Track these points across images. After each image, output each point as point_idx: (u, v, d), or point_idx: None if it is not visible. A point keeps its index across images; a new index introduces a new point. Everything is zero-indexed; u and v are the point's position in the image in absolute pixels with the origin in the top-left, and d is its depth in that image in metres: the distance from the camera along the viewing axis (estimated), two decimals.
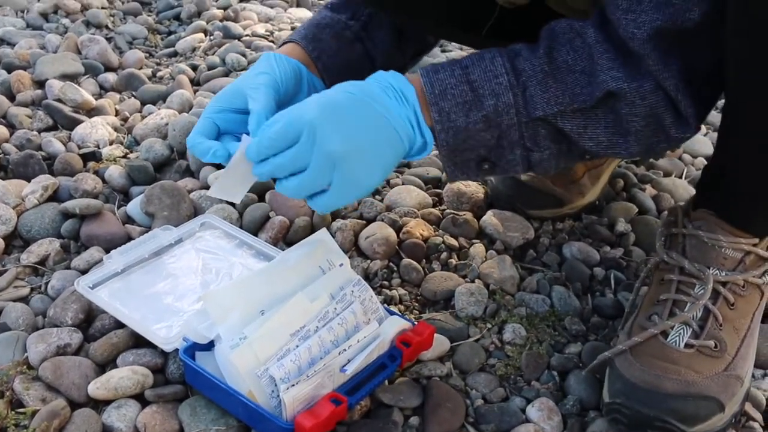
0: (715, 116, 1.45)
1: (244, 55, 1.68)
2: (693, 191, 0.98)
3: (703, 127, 1.07)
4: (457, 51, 1.80)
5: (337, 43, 0.99)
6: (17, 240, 1.13)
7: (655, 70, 0.76)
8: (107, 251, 1.06)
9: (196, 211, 1.17)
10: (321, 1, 2.04)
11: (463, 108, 0.78)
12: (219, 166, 1.24)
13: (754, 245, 0.88)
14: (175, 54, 1.75)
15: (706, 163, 1.25)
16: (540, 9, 0.94)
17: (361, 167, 0.78)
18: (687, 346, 0.83)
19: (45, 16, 1.91)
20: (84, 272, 1.04)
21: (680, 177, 1.35)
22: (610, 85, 0.76)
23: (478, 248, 1.11)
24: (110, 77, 1.60)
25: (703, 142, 1.44)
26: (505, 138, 0.80)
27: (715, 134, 1.30)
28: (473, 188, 1.21)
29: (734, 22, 0.72)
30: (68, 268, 1.06)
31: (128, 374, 0.87)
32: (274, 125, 0.77)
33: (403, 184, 1.24)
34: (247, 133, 0.81)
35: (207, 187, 1.22)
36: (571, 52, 0.78)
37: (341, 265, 0.92)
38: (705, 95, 0.80)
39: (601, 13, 0.78)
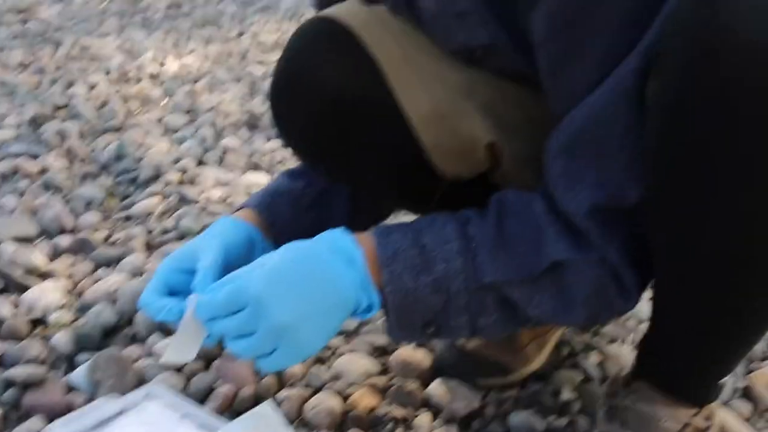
0: None
1: (199, 220, 1.70)
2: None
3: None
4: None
5: (292, 210, 1.01)
6: None
7: (598, 244, 0.79)
8: (49, 421, 1.04)
9: (142, 380, 1.16)
10: (278, 166, 2.09)
11: (413, 271, 0.80)
12: (168, 333, 1.24)
13: (693, 416, 0.88)
14: (130, 218, 1.77)
15: None
16: (486, 181, 0.98)
17: (307, 333, 0.79)
18: None
19: (3, 176, 1.93)
20: None
21: (625, 343, 1.37)
22: (556, 256, 0.79)
23: (423, 419, 1.10)
24: (64, 240, 1.60)
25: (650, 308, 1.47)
26: (453, 302, 0.81)
27: None
28: (420, 357, 1.21)
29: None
30: None
31: None
32: (220, 291, 0.77)
33: (350, 352, 1.25)
34: None
35: (154, 355, 1.21)
36: (519, 223, 0.81)
37: None
38: (646, 265, 0.83)
39: (546, 188, 0.82)
